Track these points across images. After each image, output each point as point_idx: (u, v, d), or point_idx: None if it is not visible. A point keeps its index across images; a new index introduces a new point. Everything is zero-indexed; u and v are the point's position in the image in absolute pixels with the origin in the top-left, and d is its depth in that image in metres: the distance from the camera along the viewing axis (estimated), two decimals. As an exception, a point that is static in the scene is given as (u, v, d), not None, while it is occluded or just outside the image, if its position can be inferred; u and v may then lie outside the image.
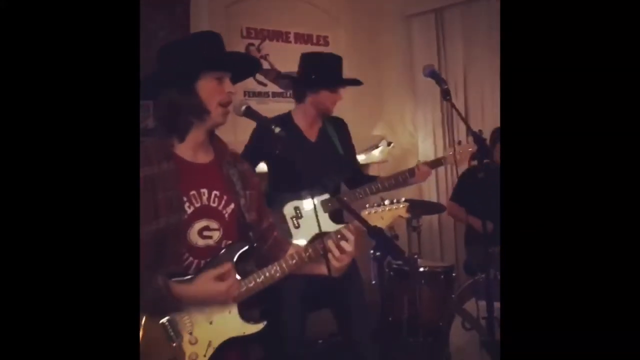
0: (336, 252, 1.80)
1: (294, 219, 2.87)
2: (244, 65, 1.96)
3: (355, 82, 3.11)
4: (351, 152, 3.19)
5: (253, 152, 2.86)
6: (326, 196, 2.85)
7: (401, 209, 1.91)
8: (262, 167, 2.99)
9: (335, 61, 3.02)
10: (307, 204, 2.85)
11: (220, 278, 1.73)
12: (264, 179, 3.00)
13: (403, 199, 1.93)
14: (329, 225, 2.62)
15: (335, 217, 2.81)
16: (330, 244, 1.81)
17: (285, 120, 2.96)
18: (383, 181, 2.98)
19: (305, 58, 3.05)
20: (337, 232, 1.83)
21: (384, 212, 1.89)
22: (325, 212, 2.84)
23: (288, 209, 2.87)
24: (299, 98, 3.00)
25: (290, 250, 1.92)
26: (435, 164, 3.15)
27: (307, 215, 2.86)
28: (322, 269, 1.84)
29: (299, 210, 2.87)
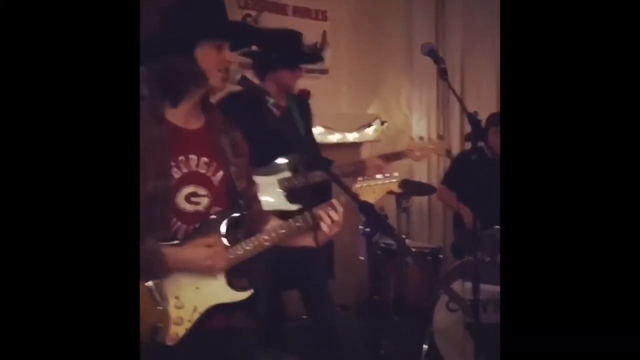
0: (327, 221, 1.82)
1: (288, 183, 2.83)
2: (245, 37, 1.94)
3: (314, 59, 3.10)
4: (310, 132, 3.17)
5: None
6: (286, 174, 2.83)
7: (393, 184, 1.91)
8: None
9: (293, 37, 2.99)
10: (264, 180, 2.76)
11: (209, 246, 1.73)
12: None
13: (396, 174, 1.93)
14: (283, 204, 2.59)
15: (293, 196, 2.78)
16: (322, 213, 1.82)
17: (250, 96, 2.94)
18: (339, 167, 2.93)
19: (265, 35, 3.00)
20: (328, 202, 1.83)
21: (376, 186, 1.89)
22: (282, 189, 2.80)
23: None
24: (260, 76, 2.98)
25: (275, 222, 1.92)
26: (392, 157, 3.07)
27: (265, 190, 2.72)
28: (308, 241, 1.87)
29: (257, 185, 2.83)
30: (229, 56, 1.77)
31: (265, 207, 1.95)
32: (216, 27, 1.77)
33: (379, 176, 1.91)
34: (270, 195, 1.86)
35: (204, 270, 1.75)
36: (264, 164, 2.79)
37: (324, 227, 1.82)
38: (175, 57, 1.73)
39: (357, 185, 1.88)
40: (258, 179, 2.71)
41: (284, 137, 2.91)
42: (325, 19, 4.79)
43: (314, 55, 3.11)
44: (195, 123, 1.84)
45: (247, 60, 4.19)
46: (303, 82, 4.47)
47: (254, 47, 4.15)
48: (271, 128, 2.86)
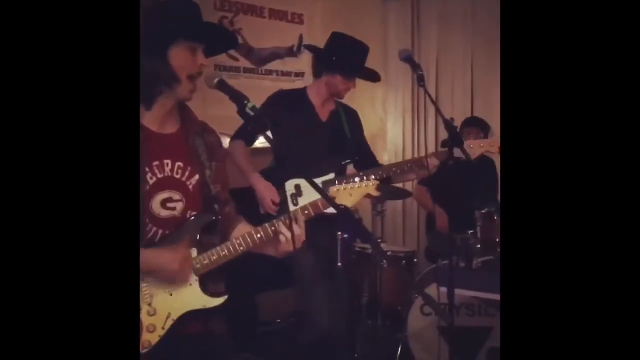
0: (287, 234, 1.79)
1: (294, 196, 2.84)
2: (220, 39, 1.91)
3: (372, 78, 3.06)
4: (361, 138, 3.17)
5: (262, 118, 2.77)
6: (331, 176, 2.80)
7: (370, 187, 1.89)
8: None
9: (360, 50, 2.98)
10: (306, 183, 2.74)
11: (175, 258, 1.71)
12: (268, 154, 2.96)
13: (372, 177, 1.91)
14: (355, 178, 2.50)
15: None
16: (281, 225, 1.80)
17: (299, 95, 2.98)
18: (386, 169, 2.92)
19: (334, 37, 3.02)
20: (287, 214, 1.81)
21: (353, 189, 1.88)
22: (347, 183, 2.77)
23: (289, 185, 2.85)
24: (316, 73, 2.99)
25: (240, 228, 1.91)
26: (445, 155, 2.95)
27: (306, 194, 2.81)
28: (271, 249, 1.85)
29: (300, 188, 2.83)
30: (202, 59, 1.75)
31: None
32: (190, 29, 1.74)
33: (356, 179, 1.89)
34: (312, 197, 1.83)
35: (168, 281, 1.73)
36: (308, 166, 2.74)
37: (283, 240, 1.80)
38: (148, 58, 1.71)
39: (334, 189, 1.87)
40: (303, 182, 2.79)
41: (329, 139, 2.92)
42: (301, 21, 4.79)
43: (374, 74, 3.06)
44: (170, 127, 1.82)
45: (223, 62, 4.20)
46: (278, 85, 4.49)
47: (231, 51, 4.19)
48: (317, 130, 2.91)
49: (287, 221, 1.80)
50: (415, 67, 2.66)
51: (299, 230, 1.80)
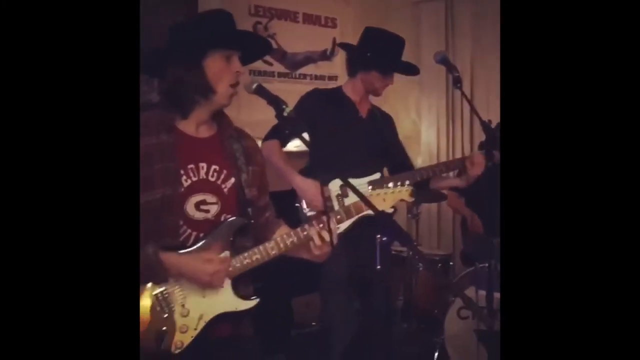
0: (317, 241, 1.79)
1: (340, 196, 2.75)
2: (255, 46, 1.93)
3: (410, 71, 2.98)
4: (397, 142, 3.10)
5: (299, 118, 2.71)
6: (377, 176, 2.75)
7: (404, 192, 1.88)
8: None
9: (396, 44, 2.89)
10: (355, 182, 2.64)
11: (210, 261, 1.72)
12: (303, 157, 2.92)
13: (407, 182, 1.89)
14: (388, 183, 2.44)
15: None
16: (312, 232, 1.79)
17: (336, 92, 2.91)
18: (425, 170, 2.86)
19: (368, 32, 2.93)
20: (319, 221, 1.80)
21: (387, 195, 1.86)
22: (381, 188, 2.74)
23: (334, 186, 2.75)
24: (351, 71, 2.91)
25: (281, 231, 1.90)
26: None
27: (353, 194, 2.70)
28: (308, 254, 1.84)
29: (345, 188, 2.73)
30: (238, 66, 1.78)
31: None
32: (224, 38, 1.77)
33: (390, 184, 1.88)
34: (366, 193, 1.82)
35: (203, 285, 1.74)
36: (350, 165, 2.72)
37: (313, 247, 1.80)
38: (183, 69, 1.74)
39: (368, 194, 1.85)
40: (351, 181, 2.68)
41: (370, 137, 2.86)
42: (334, 25, 4.80)
43: (412, 67, 2.97)
44: (206, 131, 1.85)
45: (257, 67, 4.24)
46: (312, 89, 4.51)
47: (266, 56, 4.21)
48: (358, 125, 2.85)
49: (319, 226, 1.80)
50: (451, 68, 2.63)
51: (329, 236, 1.78)
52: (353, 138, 2.84)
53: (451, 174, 3.15)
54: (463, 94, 2.62)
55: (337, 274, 2.78)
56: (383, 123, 3.01)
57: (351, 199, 2.60)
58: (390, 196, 1.87)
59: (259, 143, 3.52)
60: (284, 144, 2.82)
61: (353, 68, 2.90)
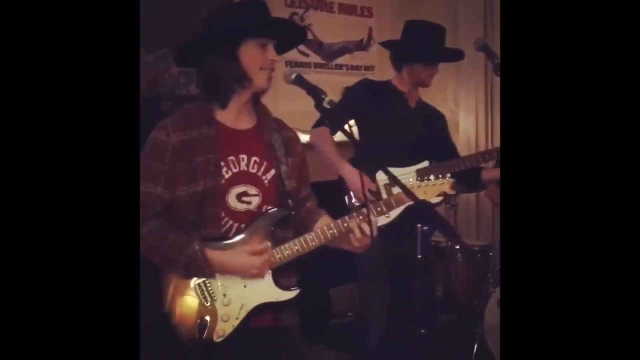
0: (357, 234, 1.79)
1: (387, 185, 2.73)
2: (289, 33, 1.93)
3: (455, 58, 2.99)
4: (447, 136, 3.10)
5: (347, 106, 2.76)
6: (425, 163, 2.76)
7: (446, 185, 1.87)
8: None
9: (435, 33, 2.89)
10: (402, 172, 2.69)
11: (255, 253, 1.74)
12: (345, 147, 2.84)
13: (449, 175, 1.87)
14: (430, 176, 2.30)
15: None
16: (353, 224, 1.80)
17: (386, 85, 2.93)
18: (465, 159, 2.86)
19: (407, 26, 2.96)
20: (360, 212, 1.80)
21: (427, 187, 1.86)
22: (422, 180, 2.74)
23: (382, 175, 2.71)
24: (396, 68, 2.94)
25: (322, 222, 1.91)
26: None
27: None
28: (348, 245, 1.85)
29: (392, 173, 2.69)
30: (273, 55, 1.78)
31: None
32: (258, 26, 1.77)
33: (431, 177, 1.86)
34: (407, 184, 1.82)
35: (250, 277, 1.76)
36: (399, 154, 2.74)
37: (353, 239, 1.80)
38: (218, 59, 1.76)
39: (409, 185, 1.84)
40: (395, 170, 2.54)
41: (420, 126, 2.87)
42: (370, 15, 4.76)
43: (456, 52, 3.00)
44: (246, 123, 1.86)
45: (294, 58, 4.24)
46: (348, 79, 4.49)
47: (301, 47, 4.22)
48: (408, 115, 2.86)
49: (359, 218, 1.80)
50: (492, 56, 2.60)
51: (369, 228, 1.78)
52: (402, 127, 2.84)
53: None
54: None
55: (375, 265, 2.78)
56: (433, 117, 3.02)
57: (398, 188, 2.59)
58: (432, 189, 1.86)
59: (299, 134, 3.53)
60: (334, 132, 2.80)
61: (397, 64, 2.92)
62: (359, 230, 1.78)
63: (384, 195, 2.69)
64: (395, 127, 2.82)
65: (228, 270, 1.75)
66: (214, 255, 1.72)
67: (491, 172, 2.96)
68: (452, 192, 1.89)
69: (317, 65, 4.44)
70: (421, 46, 2.81)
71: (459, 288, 3.65)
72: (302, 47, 4.32)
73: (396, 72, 2.94)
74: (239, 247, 1.75)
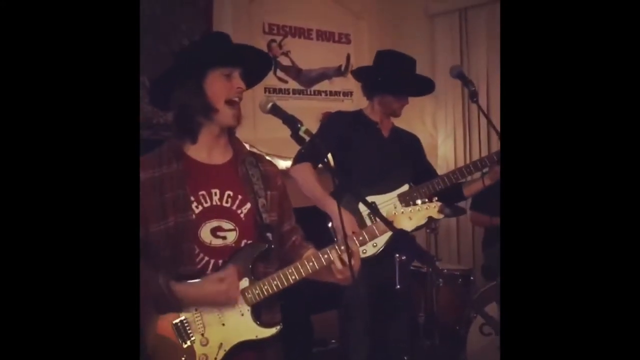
0: (338, 265, 1.76)
1: (371, 214, 2.74)
2: (254, 60, 1.90)
3: (425, 91, 3.01)
4: (424, 158, 3.11)
5: (324, 139, 2.72)
6: (405, 187, 2.77)
7: (432, 209, 1.83)
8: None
9: (406, 65, 2.90)
10: (383, 199, 2.73)
11: (222, 280, 1.71)
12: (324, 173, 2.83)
13: (435, 199, 1.84)
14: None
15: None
16: (334, 255, 1.77)
17: (358, 115, 2.95)
18: (453, 174, 2.84)
19: (378, 56, 2.98)
20: (340, 244, 1.77)
21: (413, 212, 1.82)
22: (403, 204, 2.73)
23: (363, 206, 2.73)
24: (368, 96, 2.96)
25: (308, 255, 1.87)
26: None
27: (384, 210, 2.59)
28: (333, 277, 1.81)
29: (375, 204, 2.69)
30: (239, 83, 1.77)
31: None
32: (221, 55, 1.77)
33: (418, 201, 1.84)
34: (392, 212, 1.79)
35: (221, 304, 1.74)
36: (377, 182, 2.75)
37: (335, 270, 1.77)
38: (184, 92, 1.75)
39: (393, 212, 1.82)
40: (377, 198, 2.72)
41: (394, 153, 2.88)
42: (348, 41, 4.81)
43: (425, 85, 3.00)
44: (220, 157, 1.84)
45: (272, 85, 4.26)
46: (327, 105, 4.52)
47: (279, 73, 4.22)
48: (381, 144, 2.87)
49: (340, 249, 1.77)
50: (467, 83, 2.63)
51: (354, 260, 1.74)
52: (377, 157, 2.86)
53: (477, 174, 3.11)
54: (480, 107, 2.63)
55: (356, 294, 2.76)
56: (408, 141, 3.03)
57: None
58: (418, 214, 1.83)
59: (278, 161, 3.52)
60: (315, 165, 2.79)
61: (369, 93, 2.94)
62: (340, 261, 1.76)
63: (368, 223, 2.69)
64: (372, 156, 2.84)
65: (197, 301, 1.72)
66: (180, 287, 1.70)
67: (472, 187, 2.98)
68: (439, 217, 1.85)
69: (296, 92, 4.46)
70: (391, 77, 2.83)
71: (441, 313, 3.64)
72: (280, 74, 4.35)
73: (368, 100, 2.96)
74: (205, 278, 1.73)
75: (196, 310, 1.73)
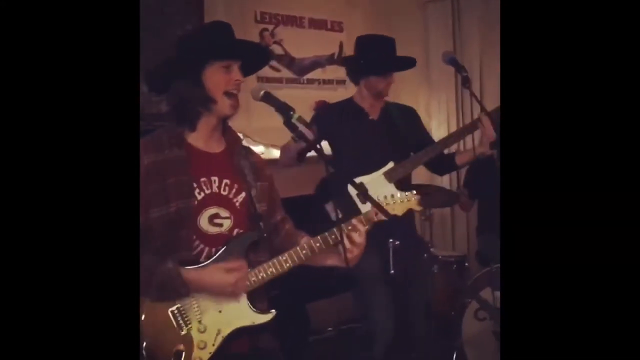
0: (347, 244, 1.78)
1: (360, 195, 2.73)
2: (254, 54, 1.93)
3: (406, 66, 3.06)
4: (421, 130, 3.15)
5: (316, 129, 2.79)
6: (390, 165, 2.83)
7: (412, 202, 1.88)
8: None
9: (384, 45, 2.97)
10: (370, 178, 2.81)
11: (230, 270, 1.72)
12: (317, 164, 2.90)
13: (414, 192, 1.89)
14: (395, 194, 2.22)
15: (403, 185, 2.68)
16: (344, 235, 1.79)
17: (347, 104, 3.02)
18: (442, 142, 2.94)
19: (358, 41, 3.04)
20: (348, 223, 1.81)
21: (395, 205, 1.86)
22: (390, 182, 2.81)
23: (352, 187, 2.73)
24: (354, 81, 3.03)
25: (301, 242, 1.89)
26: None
27: (373, 189, 2.57)
28: (333, 260, 1.86)
29: (363, 185, 2.73)
30: (237, 75, 1.78)
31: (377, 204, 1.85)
32: (222, 48, 1.78)
33: (398, 194, 1.88)
34: (381, 190, 1.85)
35: (227, 295, 1.74)
36: (369, 164, 2.82)
37: (347, 249, 1.78)
38: (184, 82, 1.76)
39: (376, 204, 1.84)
40: (364, 178, 2.79)
41: (383, 134, 2.94)
42: (341, 29, 4.79)
43: (407, 60, 3.07)
44: (216, 147, 1.86)
45: (265, 74, 4.24)
46: (320, 94, 4.50)
47: (272, 62, 4.22)
48: (369, 128, 2.94)
49: (347, 228, 1.79)
50: (459, 69, 2.65)
51: (360, 238, 1.79)
52: (366, 141, 2.91)
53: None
54: (472, 93, 2.64)
55: (373, 273, 2.84)
56: (401, 116, 3.07)
57: (373, 192, 2.59)
58: (400, 206, 1.87)
59: (272, 150, 3.55)
60: (300, 159, 2.82)
61: (354, 78, 3.02)
62: (350, 241, 1.78)
63: (359, 205, 2.74)
64: (361, 141, 2.91)
65: (204, 288, 1.72)
66: (189, 273, 1.70)
67: (464, 156, 3.03)
68: (419, 208, 1.90)
69: (289, 81, 4.44)
70: (372, 58, 2.91)
71: (435, 300, 3.66)
72: (273, 63, 4.33)
73: (355, 85, 3.04)
74: (214, 266, 1.73)
75: (192, 297, 1.73)
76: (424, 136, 3.15)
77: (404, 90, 5.28)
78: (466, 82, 2.59)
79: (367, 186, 2.73)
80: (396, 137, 2.96)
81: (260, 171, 1.92)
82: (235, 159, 1.87)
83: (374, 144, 2.91)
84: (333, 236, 1.80)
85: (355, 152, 2.85)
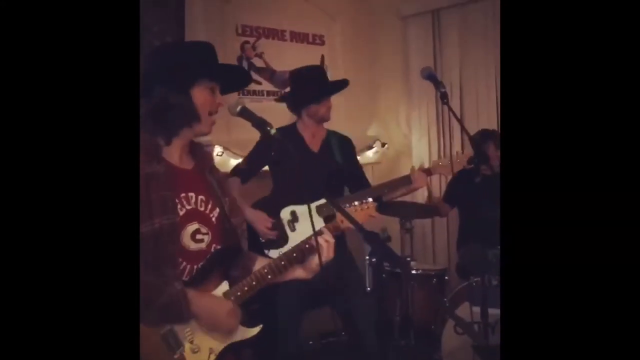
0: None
1: (290, 222, 3.01)
2: (235, 78, 1.96)
3: (335, 89, 3.23)
4: (354, 163, 3.34)
5: (256, 158, 3.10)
6: (322, 201, 2.96)
7: (371, 209, 1.95)
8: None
9: (313, 74, 3.18)
10: (303, 209, 2.99)
11: (230, 315, 1.74)
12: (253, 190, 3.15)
13: (370, 199, 1.97)
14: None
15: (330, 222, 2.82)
16: (320, 240, 1.84)
17: (290, 130, 3.16)
18: (377, 188, 3.11)
19: (291, 76, 3.27)
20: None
21: (356, 213, 1.91)
22: (320, 216, 2.94)
23: (285, 213, 3.04)
24: (296, 113, 3.19)
25: (261, 261, 1.92)
26: (431, 171, 3.15)
27: (303, 219, 2.99)
28: (299, 273, 1.90)
29: (295, 214, 3.01)
30: (219, 98, 1.80)
31: (304, 234, 1.96)
32: (209, 70, 1.79)
33: (355, 203, 1.95)
34: (309, 222, 1.92)
35: (221, 326, 1.75)
36: (305, 195, 2.87)
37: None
38: (170, 92, 1.73)
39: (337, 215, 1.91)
40: (297, 208, 3.00)
41: (321, 168, 3.09)
42: (322, 43, 4.81)
43: (339, 83, 3.28)
44: (187, 163, 1.84)
45: (250, 86, 4.23)
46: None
47: (253, 75, 4.22)
48: (310, 161, 3.10)
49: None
50: (438, 84, 2.66)
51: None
52: (305, 171, 2.95)
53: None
54: (450, 109, 2.67)
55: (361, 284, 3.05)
56: (339, 147, 3.24)
57: (301, 224, 3.01)
58: (360, 214, 1.94)
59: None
60: (243, 181, 3.11)
61: (296, 110, 3.19)
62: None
63: (288, 232, 3.00)
64: (300, 172, 2.95)
65: (203, 312, 1.71)
66: (193, 296, 1.68)
67: (418, 180, 3.12)
68: (375, 215, 1.98)
69: (270, 93, 4.45)
70: (305, 90, 3.10)
71: (416, 313, 3.66)
72: (254, 76, 4.32)
73: (298, 118, 3.19)
74: (218, 296, 1.76)
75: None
76: (357, 169, 3.34)
77: (385, 103, 5.32)
78: (444, 98, 2.62)
79: (299, 216, 3.01)
80: (332, 172, 3.13)
81: (224, 187, 1.94)
82: (206, 175, 1.87)
83: (311, 177, 3.00)
84: (294, 254, 1.85)
85: (292, 181, 2.95)
